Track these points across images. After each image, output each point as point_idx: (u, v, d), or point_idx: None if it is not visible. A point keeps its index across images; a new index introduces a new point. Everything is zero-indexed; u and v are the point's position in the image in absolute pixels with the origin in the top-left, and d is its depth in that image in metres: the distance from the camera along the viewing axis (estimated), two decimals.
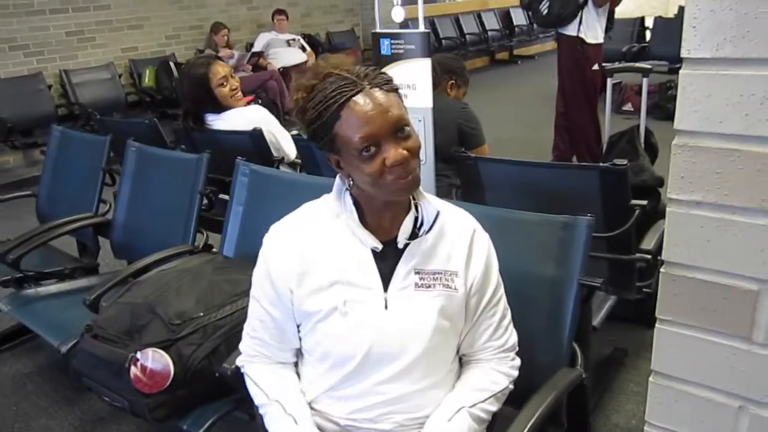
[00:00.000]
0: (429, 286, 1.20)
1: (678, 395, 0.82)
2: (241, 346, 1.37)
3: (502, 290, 1.30)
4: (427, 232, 1.21)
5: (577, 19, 4.02)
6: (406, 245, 1.20)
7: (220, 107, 2.79)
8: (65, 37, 5.86)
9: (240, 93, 2.80)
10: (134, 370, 1.56)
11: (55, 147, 3.03)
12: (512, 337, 1.31)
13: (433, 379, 1.25)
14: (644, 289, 2.14)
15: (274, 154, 2.77)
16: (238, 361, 1.37)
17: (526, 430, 1.23)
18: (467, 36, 9.12)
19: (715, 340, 0.77)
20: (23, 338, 2.84)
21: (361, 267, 1.19)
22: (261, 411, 1.31)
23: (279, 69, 6.61)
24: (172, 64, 6.32)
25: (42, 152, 3.14)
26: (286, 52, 6.81)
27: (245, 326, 1.36)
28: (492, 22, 9.62)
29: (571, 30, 4.10)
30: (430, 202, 1.23)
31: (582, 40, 4.07)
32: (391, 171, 1.10)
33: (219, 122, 2.83)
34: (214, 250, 2.31)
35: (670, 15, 8.32)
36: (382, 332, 1.19)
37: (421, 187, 1.22)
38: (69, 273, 2.61)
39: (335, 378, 1.24)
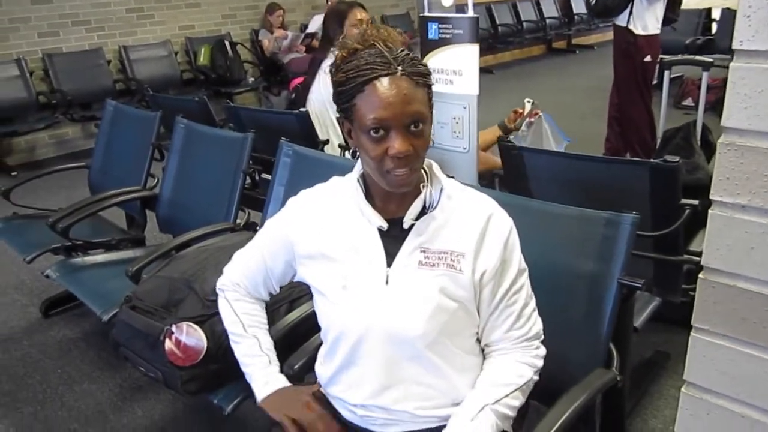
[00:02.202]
0: (433, 265, 1.18)
1: (710, 408, 0.78)
2: (226, 269, 1.44)
3: (524, 277, 1.25)
4: (431, 211, 1.20)
5: (628, 9, 3.90)
6: (412, 225, 1.20)
7: None
8: (125, 14, 5.99)
9: None
10: (169, 343, 1.59)
11: (108, 121, 3.10)
12: (536, 325, 1.26)
13: (447, 367, 1.21)
14: (691, 292, 2.06)
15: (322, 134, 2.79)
16: (219, 282, 1.44)
17: (555, 428, 1.21)
18: (524, 23, 8.92)
19: (754, 353, 0.73)
20: (72, 304, 2.94)
21: (365, 243, 1.21)
22: (233, 339, 1.40)
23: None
24: (227, 43, 6.39)
25: (96, 125, 3.23)
26: None
27: (238, 252, 1.43)
28: (551, 10, 9.38)
29: (621, 20, 3.99)
30: (441, 183, 1.22)
31: (631, 31, 3.95)
32: (392, 160, 1.10)
33: (330, 59, 2.92)
34: (258, 228, 2.34)
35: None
36: (382, 307, 1.19)
37: (436, 169, 1.23)
38: (115, 244, 2.68)
39: (340, 355, 1.25)
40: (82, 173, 3.20)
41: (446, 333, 1.20)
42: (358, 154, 1.18)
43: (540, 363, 1.26)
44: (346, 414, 1.30)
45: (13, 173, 5.04)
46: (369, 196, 1.22)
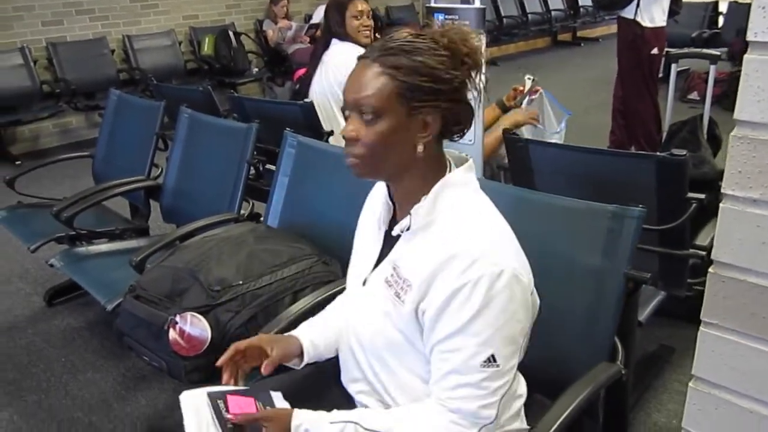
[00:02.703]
0: (390, 286, 1.13)
1: (719, 403, 0.77)
2: None
3: (471, 345, 1.03)
4: (408, 228, 1.13)
5: (635, 1, 3.87)
6: (401, 235, 1.16)
7: (345, 36, 2.93)
8: (129, 3, 5.96)
9: (368, 32, 2.95)
10: (173, 333, 1.59)
11: (112, 110, 3.10)
12: (463, 402, 1.04)
13: (390, 381, 1.18)
14: (696, 287, 2.06)
15: (325, 125, 2.78)
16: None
17: (560, 421, 1.20)
18: (529, 15, 8.88)
19: (764, 348, 0.72)
20: (75, 293, 2.94)
21: (371, 242, 1.23)
22: None
23: None
24: (231, 33, 6.36)
25: (100, 115, 3.22)
26: None
27: None
28: (556, 2, 9.33)
29: (628, 13, 3.97)
30: (439, 200, 1.11)
31: (638, 24, 3.93)
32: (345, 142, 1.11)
33: (332, 50, 2.95)
34: (261, 218, 2.34)
35: (746, 0, 7.90)
36: (355, 307, 1.25)
37: (447, 181, 1.12)
38: (119, 233, 2.68)
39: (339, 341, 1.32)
40: (86, 162, 3.20)
41: (389, 354, 1.16)
42: None
43: None
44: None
45: (17, 162, 5.03)
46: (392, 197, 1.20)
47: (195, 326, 1.60)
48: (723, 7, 7.25)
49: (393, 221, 1.20)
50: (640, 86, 4.08)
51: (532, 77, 2.58)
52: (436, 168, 1.13)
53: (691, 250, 1.93)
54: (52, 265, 2.32)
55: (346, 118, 1.11)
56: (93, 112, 5.63)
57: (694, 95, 5.84)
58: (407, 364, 1.15)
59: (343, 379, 1.31)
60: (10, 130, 5.38)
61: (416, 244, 1.11)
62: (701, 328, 0.78)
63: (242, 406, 1.14)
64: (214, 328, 1.61)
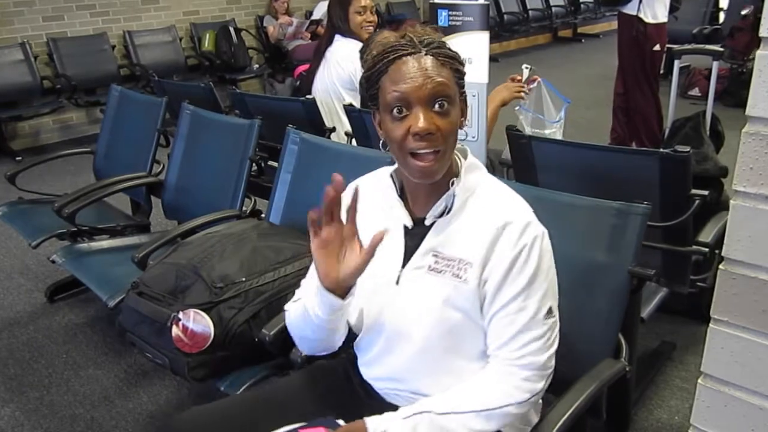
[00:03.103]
0: (440, 272, 1.16)
1: (728, 400, 0.77)
2: (294, 295, 1.33)
3: (534, 301, 1.12)
4: (449, 212, 1.17)
5: None
6: (434, 223, 1.19)
7: (348, 32, 2.93)
8: None
9: (371, 28, 2.95)
10: (176, 330, 1.59)
11: (114, 106, 3.09)
12: (534, 355, 1.12)
13: (449, 370, 1.20)
14: (698, 283, 2.06)
15: (327, 122, 2.77)
16: (285, 306, 1.34)
17: (564, 418, 1.20)
18: (530, 12, 8.86)
19: None
20: (77, 289, 2.94)
21: (389, 239, 1.18)
22: (306, 321, 1.22)
23: None
24: (231, 29, 6.35)
25: (102, 111, 3.21)
26: None
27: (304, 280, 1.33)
28: None
29: (630, 9, 3.95)
30: (468, 182, 1.18)
31: (641, 20, 3.91)
32: (414, 139, 1.08)
33: (335, 46, 2.95)
34: (263, 215, 2.33)
35: None
36: (392, 307, 1.21)
37: (469, 165, 1.20)
38: (121, 230, 2.68)
39: (364, 340, 1.28)
40: (87, 158, 3.19)
41: (447, 341, 1.18)
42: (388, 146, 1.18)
43: (524, 396, 1.12)
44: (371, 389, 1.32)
45: (18, 158, 5.03)
46: (402, 192, 1.23)
47: (198, 323, 1.59)
48: (724, 3, 7.23)
49: (411, 213, 1.22)
50: (642, 83, 4.07)
51: (529, 66, 2.56)
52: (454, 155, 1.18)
53: (694, 247, 1.93)
54: (53, 262, 2.32)
55: (400, 118, 1.09)
56: (93, 108, 5.62)
57: (695, 91, 5.83)
58: (464, 346, 1.18)
59: (374, 378, 1.30)
60: (11, 126, 5.37)
61: (458, 226, 1.16)
62: (711, 324, 0.77)
63: None
64: (217, 325, 1.60)
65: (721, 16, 7.23)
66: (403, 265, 1.20)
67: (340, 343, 1.29)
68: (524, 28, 8.88)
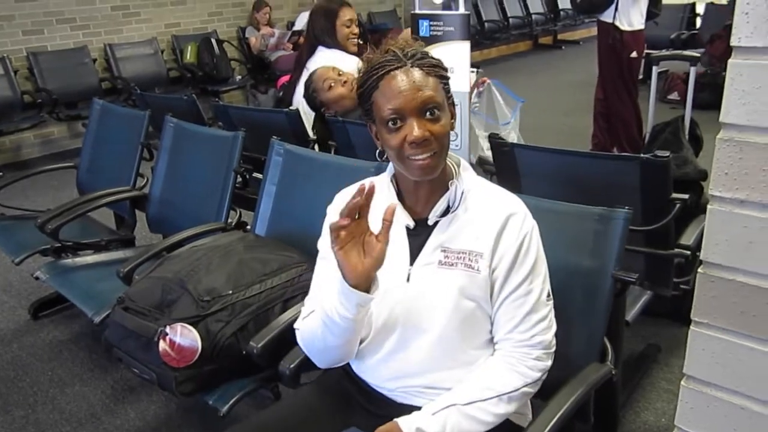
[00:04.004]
0: (451, 265, 1.22)
1: (710, 401, 0.78)
2: (302, 314, 1.34)
3: (538, 283, 1.23)
4: (455, 210, 1.24)
5: (613, 5, 3.91)
6: (437, 223, 1.25)
7: (333, 44, 2.96)
8: (111, 12, 5.93)
9: (355, 40, 3.00)
10: (163, 344, 1.58)
11: (96, 120, 3.08)
12: (542, 334, 1.23)
13: (463, 360, 1.25)
14: (681, 286, 2.08)
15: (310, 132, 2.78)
16: (296, 325, 1.35)
17: (552, 423, 1.22)
18: (510, 19, 8.95)
19: (754, 346, 0.73)
20: (61, 306, 2.91)
21: (392, 241, 1.19)
22: (325, 330, 1.23)
23: None
24: (213, 41, 6.34)
25: (84, 125, 3.20)
26: None
27: (308, 297, 1.36)
28: (536, 5, 9.42)
29: (606, 16, 4.01)
30: (465, 182, 1.25)
31: (617, 27, 3.97)
32: (411, 147, 1.16)
33: (318, 57, 2.95)
34: (248, 227, 2.33)
35: (723, 1, 8.02)
36: (404, 304, 1.25)
37: (464, 167, 1.28)
38: (105, 244, 2.66)
39: (373, 342, 1.30)
40: (70, 173, 3.17)
41: (461, 330, 1.24)
42: (386, 155, 1.24)
43: (537, 375, 1.23)
44: (379, 392, 1.34)
45: None
46: (400, 195, 1.28)
47: (185, 337, 1.59)
48: (700, 9, 7.36)
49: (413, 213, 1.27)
50: (620, 89, 4.13)
51: (475, 70, 2.58)
52: None
53: (676, 250, 1.96)
54: (37, 278, 2.30)
55: (396, 129, 1.16)
56: (75, 122, 5.58)
57: (674, 95, 5.91)
58: (476, 335, 1.25)
59: (382, 380, 1.31)
60: None
61: (463, 221, 1.23)
62: (691, 327, 0.79)
63: None
64: (205, 339, 1.60)
65: (698, 22, 7.36)
66: (411, 263, 1.25)
67: (357, 347, 1.31)
68: (505, 36, 8.97)
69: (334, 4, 3.00)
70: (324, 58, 2.93)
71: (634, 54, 4.06)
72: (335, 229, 1.09)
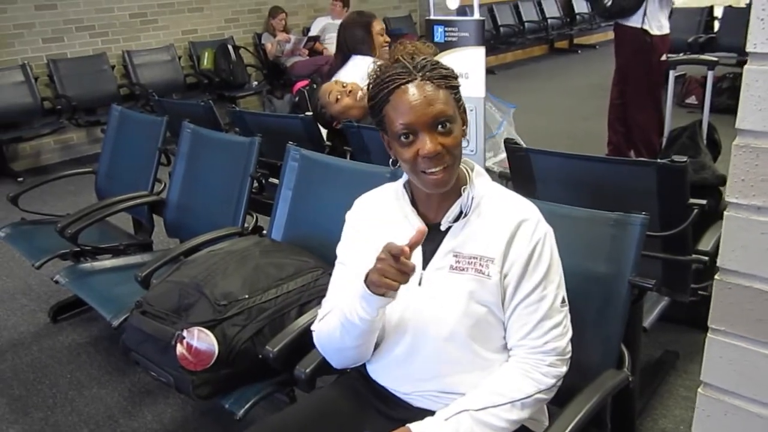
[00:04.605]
0: (463, 269, 1.23)
1: (728, 409, 0.78)
2: (318, 315, 1.39)
3: (552, 289, 1.22)
4: (467, 215, 1.24)
5: (641, 10, 3.88)
6: (450, 228, 1.25)
7: (369, 52, 3.05)
8: (129, 19, 6.00)
9: (387, 47, 3.09)
10: (180, 348, 1.60)
11: (115, 126, 3.11)
12: (556, 341, 1.22)
13: (469, 366, 1.25)
14: (699, 292, 2.06)
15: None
16: (313, 327, 1.40)
17: (568, 430, 1.21)
18: (526, 24, 8.92)
19: None
20: (79, 309, 2.95)
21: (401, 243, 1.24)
22: (342, 331, 1.27)
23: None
24: (230, 47, 6.40)
25: (102, 131, 3.24)
26: None
27: (324, 299, 1.39)
28: (552, 10, 9.38)
29: (634, 21, 3.96)
30: (478, 187, 1.25)
31: (647, 32, 3.93)
32: (424, 161, 1.17)
33: (352, 63, 3.05)
34: (264, 232, 2.35)
35: (741, 5, 7.94)
36: (416, 308, 1.26)
37: (477, 173, 1.28)
38: (123, 249, 2.69)
39: (386, 344, 1.31)
40: (88, 178, 3.21)
41: (473, 335, 1.24)
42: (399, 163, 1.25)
43: (551, 381, 1.22)
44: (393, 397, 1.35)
45: (19, 179, 5.06)
46: (414, 200, 1.30)
47: (202, 341, 1.60)
48: (718, 12, 7.29)
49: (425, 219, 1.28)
50: (644, 93, 4.07)
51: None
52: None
53: (694, 256, 1.94)
54: (57, 282, 2.33)
55: (408, 143, 1.17)
56: (94, 128, 5.66)
57: (691, 99, 5.86)
58: (489, 339, 1.25)
59: (397, 383, 1.33)
60: (12, 147, 5.40)
61: (475, 227, 1.23)
62: (708, 334, 0.78)
63: None
64: (221, 343, 1.61)
65: (716, 25, 7.29)
66: (423, 268, 1.26)
67: (372, 348, 1.33)
68: (520, 40, 8.93)
69: (366, 17, 3.14)
70: (356, 64, 3.01)
71: (664, 57, 4.02)
72: (397, 264, 1.10)
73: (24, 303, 3.14)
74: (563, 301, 1.24)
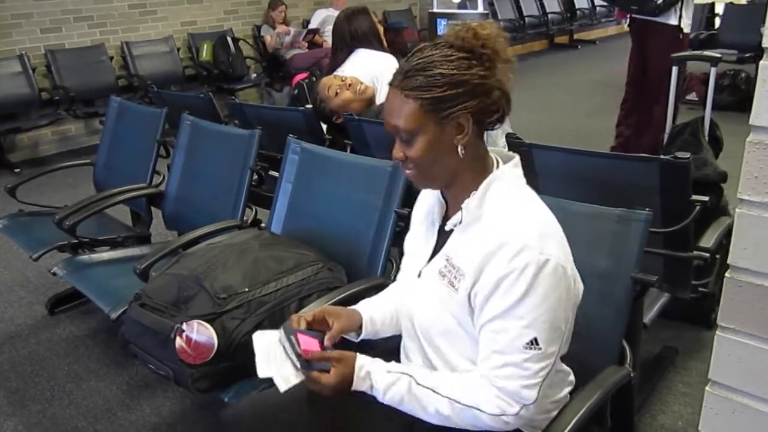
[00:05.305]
0: (444, 277, 1.21)
1: (736, 407, 0.77)
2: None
3: (515, 327, 1.10)
4: (465, 222, 1.20)
5: (678, 6, 3.84)
6: (453, 230, 1.24)
7: (377, 43, 3.04)
8: (127, 10, 5.96)
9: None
10: (179, 341, 1.59)
11: (113, 118, 3.10)
12: (506, 381, 1.12)
13: (458, 367, 1.24)
14: (700, 288, 2.06)
15: None
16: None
17: (570, 426, 1.20)
18: (526, 18, 8.90)
19: None
20: (77, 302, 2.94)
21: (426, 238, 1.30)
22: None
23: None
24: (229, 39, 6.37)
25: (101, 122, 3.22)
26: None
27: None
28: (553, 4, 9.36)
29: (670, 19, 3.90)
30: (489, 194, 1.18)
31: (681, 29, 3.91)
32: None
33: (354, 58, 3.01)
34: (263, 225, 2.34)
35: (742, 1, 7.93)
36: (412, 298, 1.30)
37: (496, 178, 1.19)
38: (121, 241, 2.67)
39: (396, 325, 1.40)
40: (85, 170, 3.20)
41: (446, 340, 1.24)
42: None
43: (495, 411, 1.12)
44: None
45: (17, 170, 5.03)
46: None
47: (202, 334, 1.59)
48: (719, 9, 7.28)
49: (446, 218, 1.28)
50: (665, 90, 4.05)
51: None
52: (481, 165, 1.21)
53: (696, 252, 1.93)
54: (54, 274, 2.31)
55: (393, 140, 1.21)
56: (92, 119, 5.63)
57: (692, 96, 5.84)
58: (458, 348, 1.22)
59: (403, 362, 1.37)
60: (9, 138, 5.36)
61: (468, 236, 1.19)
62: (717, 332, 0.78)
63: (310, 344, 1.25)
64: (221, 336, 1.60)
65: (717, 22, 7.28)
66: (427, 262, 1.27)
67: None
68: (520, 35, 8.90)
69: (362, 7, 3.10)
70: (362, 56, 2.97)
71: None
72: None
73: (21, 295, 3.13)
74: (532, 343, 1.10)
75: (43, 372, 2.50)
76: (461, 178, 1.20)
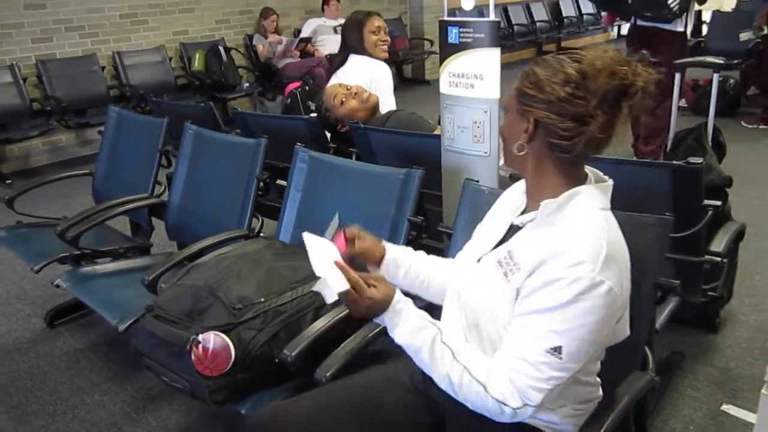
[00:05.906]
0: (500, 266, 1.22)
1: None
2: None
3: (543, 329, 1.12)
4: (535, 222, 1.22)
5: (686, 14, 3.87)
6: (521, 228, 1.27)
7: (362, 51, 3.06)
8: (119, 20, 5.92)
9: (385, 46, 3.10)
10: (196, 352, 1.56)
11: (112, 127, 3.07)
12: (516, 374, 1.13)
13: (489, 347, 1.25)
14: (709, 293, 2.07)
15: None
16: None
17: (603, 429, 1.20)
18: (515, 27, 8.96)
19: None
20: (76, 314, 2.89)
21: (496, 228, 1.33)
22: None
23: (326, 56, 6.58)
24: (221, 48, 6.34)
25: (99, 132, 3.18)
26: (333, 39, 6.77)
27: None
28: (541, 13, 9.43)
29: (678, 26, 3.92)
30: (563, 205, 1.18)
31: (686, 35, 3.95)
32: None
33: (349, 64, 3.07)
34: (262, 234, 2.32)
35: (728, 8, 8.04)
36: (466, 281, 1.32)
37: (585, 192, 1.20)
38: (123, 252, 2.64)
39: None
40: (80, 181, 3.16)
41: (489, 321, 1.24)
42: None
43: (497, 396, 1.14)
44: None
45: (8, 181, 4.97)
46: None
47: (218, 344, 1.57)
48: (707, 16, 7.37)
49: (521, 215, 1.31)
50: (667, 97, 4.08)
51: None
52: (567, 177, 1.21)
53: (707, 257, 1.94)
54: (57, 286, 2.28)
55: None
56: (83, 130, 5.58)
57: (682, 102, 5.89)
58: (495, 337, 1.22)
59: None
60: (0, 149, 5.30)
61: (536, 236, 1.20)
62: None
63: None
64: (238, 347, 1.58)
65: (704, 29, 7.36)
66: (491, 250, 1.29)
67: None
68: (509, 43, 8.95)
69: (361, 15, 3.14)
70: (353, 65, 3.03)
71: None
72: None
73: (19, 308, 3.07)
74: (555, 350, 1.11)
75: (45, 386, 2.46)
76: (537, 180, 1.24)
